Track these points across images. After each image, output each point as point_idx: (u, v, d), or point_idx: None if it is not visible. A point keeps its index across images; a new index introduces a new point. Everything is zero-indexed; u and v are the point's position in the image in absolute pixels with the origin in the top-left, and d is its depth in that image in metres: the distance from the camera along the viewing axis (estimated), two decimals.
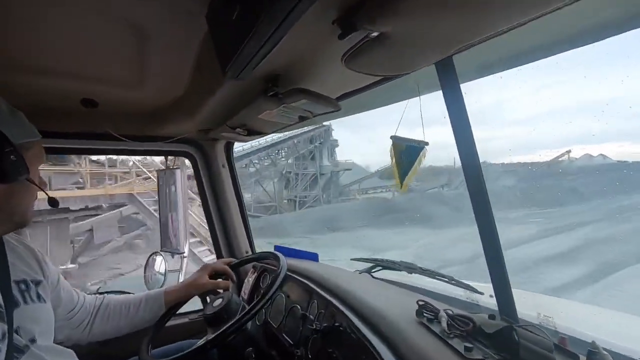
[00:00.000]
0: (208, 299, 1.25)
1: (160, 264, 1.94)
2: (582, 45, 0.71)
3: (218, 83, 1.02)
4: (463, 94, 0.93)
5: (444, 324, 0.75)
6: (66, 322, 1.04)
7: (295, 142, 22.72)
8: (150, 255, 1.98)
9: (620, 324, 1.17)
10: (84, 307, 1.10)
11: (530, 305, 1.06)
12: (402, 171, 1.01)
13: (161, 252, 1.93)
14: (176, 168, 1.96)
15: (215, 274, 1.26)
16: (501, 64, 0.89)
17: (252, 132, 1.32)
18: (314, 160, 23.68)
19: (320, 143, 23.86)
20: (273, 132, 1.37)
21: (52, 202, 0.95)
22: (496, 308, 0.98)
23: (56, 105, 1.28)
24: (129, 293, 1.57)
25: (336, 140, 24.99)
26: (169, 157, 1.91)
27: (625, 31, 0.66)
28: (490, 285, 0.95)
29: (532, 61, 0.85)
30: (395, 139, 1.04)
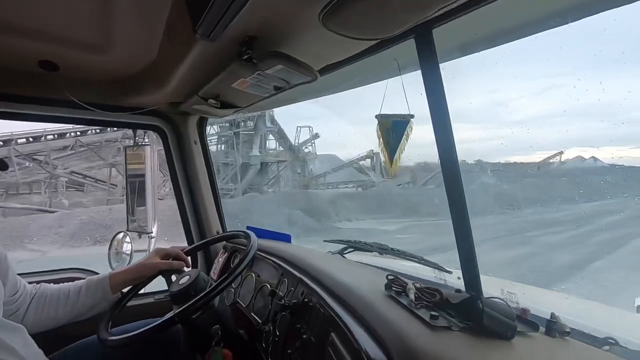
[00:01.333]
0: (174, 278, 1.21)
1: (125, 243, 1.86)
2: (565, 23, 0.71)
3: (189, 47, 0.96)
4: (443, 72, 0.92)
5: (412, 296, 0.75)
6: (7, 307, 0.98)
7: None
8: (116, 234, 1.90)
9: (576, 306, 1.22)
10: (23, 295, 1.04)
11: (494, 287, 1.09)
12: (391, 149, 1.00)
13: (127, 232, 1.86)
14: (146, 144, 1.87)
15: (168, 257, 1.21)
16: (482, 42, 0.88)
17: (226, 105, 1.27)
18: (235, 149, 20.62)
19: (245, 130, 20.53)
20: (247, 107, 1.32)
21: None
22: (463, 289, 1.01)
23: (11, 65, 1.19)
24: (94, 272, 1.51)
25: (275, 128, 21.67)
26: (139, 133, 1.82)
27: (612, 8, 0.66)
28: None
29: (514, 40, 0.85)
30: (380, 117, 1.02)
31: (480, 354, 0.60)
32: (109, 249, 1.81)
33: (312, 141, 23.53)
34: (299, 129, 23.41)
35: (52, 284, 1.13)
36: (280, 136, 22.06)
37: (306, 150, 23.65)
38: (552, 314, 0.73)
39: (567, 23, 0.70)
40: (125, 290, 1.19)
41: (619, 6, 0.65)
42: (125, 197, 1.93)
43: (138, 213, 1.88)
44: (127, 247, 1.85)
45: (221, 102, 1.25)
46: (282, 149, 22.37)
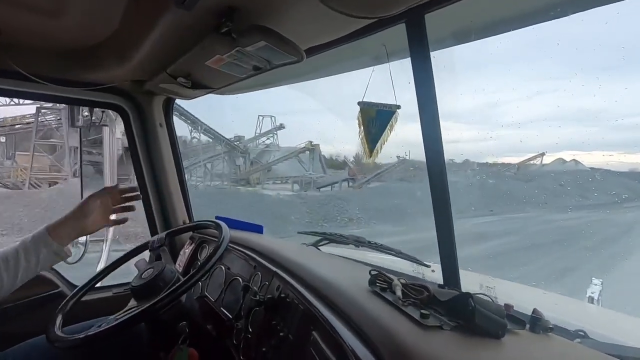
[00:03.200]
0: (138, 269, 1.11)
1: None
2: (565, 15, 0.70)
3: (159, 15, 0.86)
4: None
5: (399, 293, 0.72)
6: None
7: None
8: None
9: (552, 301, 1.27)
10: None
11: (470, 281, 1.10)
12: (371, 138, 0.96)
13: None
14: (104, 125, 1.71)
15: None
16: (477, 31, 0.85)
17: (197, 85, 1.17)
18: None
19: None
20: (221, 88, 1.23)
21: None
22: (440, 282, 1.00)
23: None
24: None
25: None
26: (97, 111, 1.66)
27: (612, 2, 0.65)
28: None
29: (511, 30, 0.83)
30: (363, 105, 0.97)
31: (472, 353, 0.58)
32: None
33: (275, 132, 22.16)
34: (260, 118, 21.93)
35: None
36: (203, 128, 18.86)
37: (268, 142, 22.26)
38: (535, 310, 0.73)
39: (567, 15, 0.69)
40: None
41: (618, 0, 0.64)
42: (80, 182, 1.77)
43: None
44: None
45: (192, 81, 1.14)
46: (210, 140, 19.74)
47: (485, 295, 0.73)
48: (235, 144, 20.24)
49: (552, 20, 0.71)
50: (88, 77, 1.30)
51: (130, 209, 1.15)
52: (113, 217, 1.14)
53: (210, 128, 18.47)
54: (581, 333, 0.84)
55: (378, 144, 0.97)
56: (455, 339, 0.60)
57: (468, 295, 0.64)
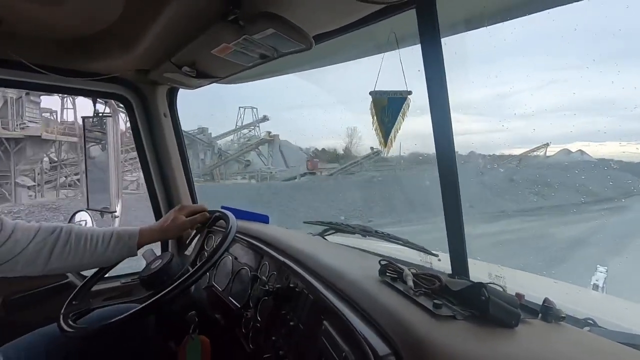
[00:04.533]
0: (146, 260, 1.12)
1: (86, 223, 1.71)
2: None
3: (164, 2, 0.84)
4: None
5: (410, 282, 0.72)
6: None
7: None
8: (73, 214, 1.75)
9: (561, 289, 1.27)
10: (13, 238, 0.90)
11: (479, 270, 1.10)
12: (386, 129, 0.95)
13: (87, 211, 1.70)
14: (107, 115, 1.70)
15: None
16: (490, 16, 0.83)
17: (202, 74, 1.15)
18: None
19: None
20: (226, 77, 1.21)
21: None
22: (448, 271, 1.00)
23: None
24: None
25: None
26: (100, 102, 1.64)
27: None
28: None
29: (526, 14, 0.80)
30: (374, 94, 0.96)
31: (486, 342, 0.58)
32: None
33: (257, 125, 21.17)
34: (242, 110, 20.92)
35: (76, 226, 1.02)
36: None
37: (250, 134, 21.30)
38: (546, 299, 0.73)
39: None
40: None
41: None
42: (85, 173, 1.77)
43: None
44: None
45: (197, 70, 1.12)
46: None
47: (497, 284, 0.73)
48: (197, 137, 19.33)
49: (569, 4, 0.69)
50: (91, 66, 1.29)
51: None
52: None
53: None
54: (590, 321, 0.85)
55: (392, 133, 0.96)
56: (469, 329, 0.60)
57: (481, 285, 0.64)
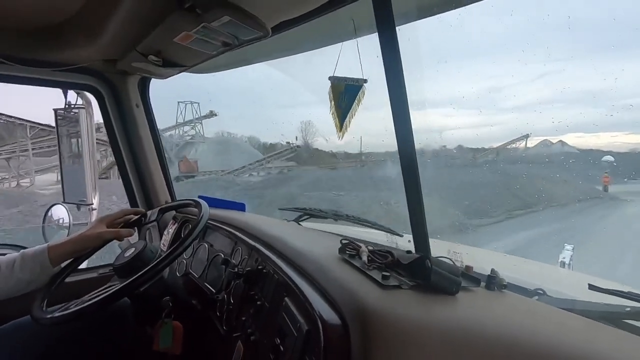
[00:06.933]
0: (120, 249, 1.13)
1: (62, 215, 1.72)
2: None
3: None
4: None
5: (365, 258, 0.77)
6: None
7: None
8: (50, 207, 1.74)
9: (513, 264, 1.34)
10: None
11: (440, 248, 1.15)
12: (342, 114, 0.98)
13: (63, 204, 1.70)
14: (81, 107, 1.68)
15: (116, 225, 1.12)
16: (440, 4, 0.86)
17: (169, 63, 1.16)
18: None
19: None
20: (194, 66, 1.22)
21: None
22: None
23: None
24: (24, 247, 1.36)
25: None
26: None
27: None
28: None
29: (471, 3, 0.83)
30: (333, 80, 0.98)
31: (426, 307, 0.62)
32: (43, 222, 1.66)
33: (200, 121, 19.67)
34: (183, 105, 19.30)
35: None
36: None
37: (192, 132, 19.80)
38: (492, 270, 0.78)
39: None
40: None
41: None
42: (59, 165, 1.75)
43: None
44: (64, 220, 1.71)
45: (164, 59, 1.13)
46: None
47: (447, 258, 0.78)
48: None
49: None
50: (57, 56, 1.27)
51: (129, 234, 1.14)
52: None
53: None
54: (540, 291, 0.90)
55: (347, 119, 0.99)
56: (412, 296, 0.64)
57: (425, 257, 0.68)
